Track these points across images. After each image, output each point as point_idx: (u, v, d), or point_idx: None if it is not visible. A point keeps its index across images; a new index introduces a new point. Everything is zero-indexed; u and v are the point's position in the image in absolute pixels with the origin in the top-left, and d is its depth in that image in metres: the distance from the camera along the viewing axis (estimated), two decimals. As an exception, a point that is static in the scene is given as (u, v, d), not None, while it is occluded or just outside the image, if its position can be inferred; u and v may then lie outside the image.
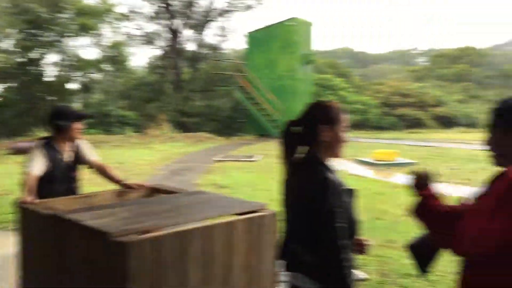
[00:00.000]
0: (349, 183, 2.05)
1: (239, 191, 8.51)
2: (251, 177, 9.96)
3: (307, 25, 21.91)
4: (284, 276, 2.03)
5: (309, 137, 2.09)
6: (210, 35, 29.30)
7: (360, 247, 2.18)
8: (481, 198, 1.72)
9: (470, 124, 29.69)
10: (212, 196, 2.93)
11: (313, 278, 1.92)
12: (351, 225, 2.02)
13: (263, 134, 20.79)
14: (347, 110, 2.25)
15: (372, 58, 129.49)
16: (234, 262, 2.30)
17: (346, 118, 2.13)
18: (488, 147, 1.76)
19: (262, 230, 2.53)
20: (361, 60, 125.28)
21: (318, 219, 1.90)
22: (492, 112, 1.74)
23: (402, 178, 9.69)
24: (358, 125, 27.15)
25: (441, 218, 1.82)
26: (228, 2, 27.84)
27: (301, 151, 2.12)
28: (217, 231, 2.18)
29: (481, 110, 34.09)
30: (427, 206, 1.86)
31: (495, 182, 1.68)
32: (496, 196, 1.61)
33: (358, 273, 2.00)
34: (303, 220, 1.95)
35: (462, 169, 10.93)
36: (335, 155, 2.10)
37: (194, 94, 27.45)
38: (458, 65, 49.42)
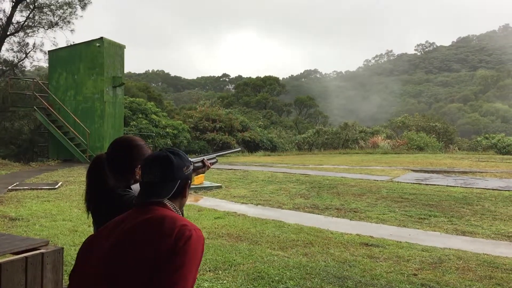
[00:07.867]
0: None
1: (36, 223, 7.79)
2: (51, 206, 9.19)
3: (117, 46, 21.42)
4: None
5: (125, 176, 2.19)
6: (7, 50, 26.08)
7: None
8: None
9: (272, 148, 32.41)
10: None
11: None
12: None
13: (67, 159, 19.49)
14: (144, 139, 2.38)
15: (186, 83, 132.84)
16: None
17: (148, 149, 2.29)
18: None
19: (44, 268, 2.39)
20: (175, 84, 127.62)
21: None
22: None
23: (208, 201, 10.08)
24: (169, 149, 27.33)
25: None
26: (28, 17, 25.46)
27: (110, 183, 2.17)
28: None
29: (280, 135, 37.63)
30: None
31: None
32: None
33: None
34: None
35: (262, 190, 11.84)
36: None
37: (-14, 114, 24.40)
38: (260, 94, 53.87)
